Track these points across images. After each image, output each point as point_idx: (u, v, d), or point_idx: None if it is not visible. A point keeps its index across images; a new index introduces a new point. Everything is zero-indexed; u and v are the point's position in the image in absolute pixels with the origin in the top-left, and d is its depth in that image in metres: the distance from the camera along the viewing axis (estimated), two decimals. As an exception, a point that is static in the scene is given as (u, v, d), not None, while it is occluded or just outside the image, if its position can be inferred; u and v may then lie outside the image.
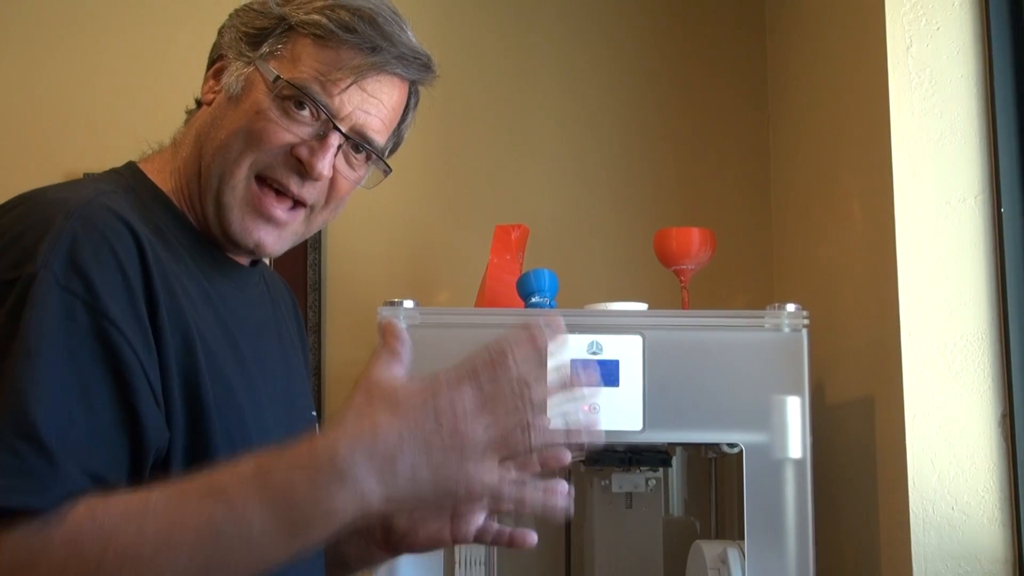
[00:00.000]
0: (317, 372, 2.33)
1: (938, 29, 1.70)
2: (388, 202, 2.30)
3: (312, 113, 1.04)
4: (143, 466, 0.89)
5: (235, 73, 1.06)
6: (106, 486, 0.84)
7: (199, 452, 0.95)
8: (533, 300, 1.85)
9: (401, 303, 1.67)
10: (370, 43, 1.04)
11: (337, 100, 1.04)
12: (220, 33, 1.12)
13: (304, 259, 2.34)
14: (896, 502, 1.66)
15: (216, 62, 1.11)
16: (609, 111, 2.45)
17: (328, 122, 1.04)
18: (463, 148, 2.43)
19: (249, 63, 1.06)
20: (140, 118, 2.39)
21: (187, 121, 1.12)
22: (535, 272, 1.88)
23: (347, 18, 1.04)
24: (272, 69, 1.04)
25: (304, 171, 1.04)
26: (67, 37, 2.45)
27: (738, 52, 2.48)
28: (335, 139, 1.05)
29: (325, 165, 1.04)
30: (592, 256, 2.40)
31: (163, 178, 1.08)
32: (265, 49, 1.06)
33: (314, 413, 1.23)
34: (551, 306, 1.86)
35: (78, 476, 0.83)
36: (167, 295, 0.95)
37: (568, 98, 2.46)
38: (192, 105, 1.13)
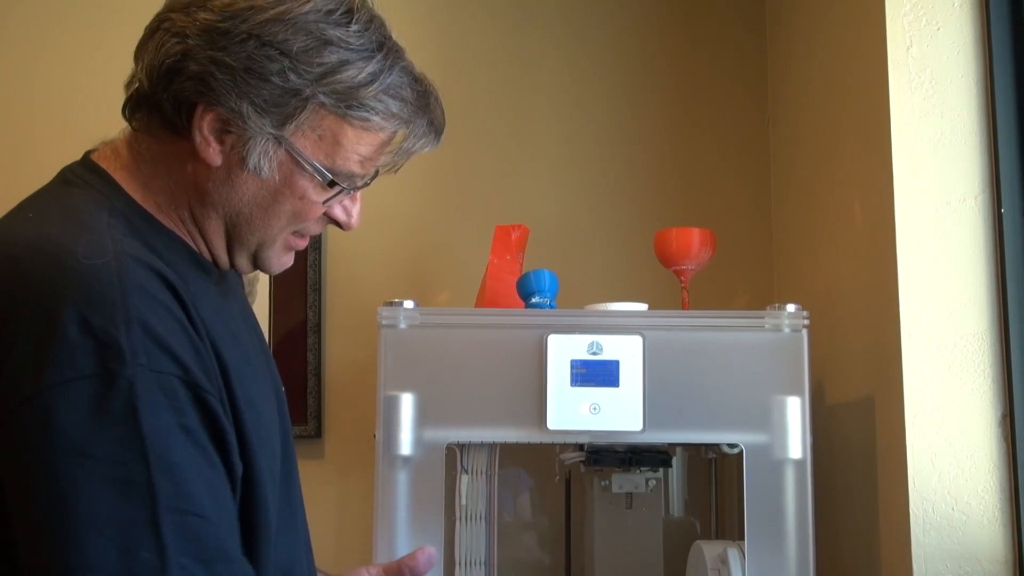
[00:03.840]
0: (317, 372, 2.33)
1: (938, 29, 1.70)
2: (388, 202, 2.30)
3: None
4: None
5: (262, 153, 0.97)
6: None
7: (249, 473, 0.98)
8: (533, 300, 1.85)
9: (401, 303, 1.67)
10: (420, 131, 1.05)
11: (373, 167, 1.06)
12: (187, 57, 0.96)
13: (304, 259, 2.34)
14: (896, 502, 1.66)
15: (201, 108, 0.96)
16: (609, 111, 2.45)
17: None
18: (463, 148, 2.43)
19: (278, 144, 0.98)
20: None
21: (156, 136, 1.01)
22: (535, 272, 1.88)
23: (396, 109, 1.01)
24: (316, 163, 0.99)
25: (338, 226, 1.08)
26: (66, 37, 2.45)
27: (738, 52, 2.48)
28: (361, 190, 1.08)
29: (357, 218, 1.08)
30: (592, 256, 2.40)
31: (144, 195, 1.02)
32: (292, 127, 0.97)
33: (282, 388, 1.22)
34: (551, 306, 1.86)
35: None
36: (202, 330, 0.96)
37: (568, 98, 2.46)
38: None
